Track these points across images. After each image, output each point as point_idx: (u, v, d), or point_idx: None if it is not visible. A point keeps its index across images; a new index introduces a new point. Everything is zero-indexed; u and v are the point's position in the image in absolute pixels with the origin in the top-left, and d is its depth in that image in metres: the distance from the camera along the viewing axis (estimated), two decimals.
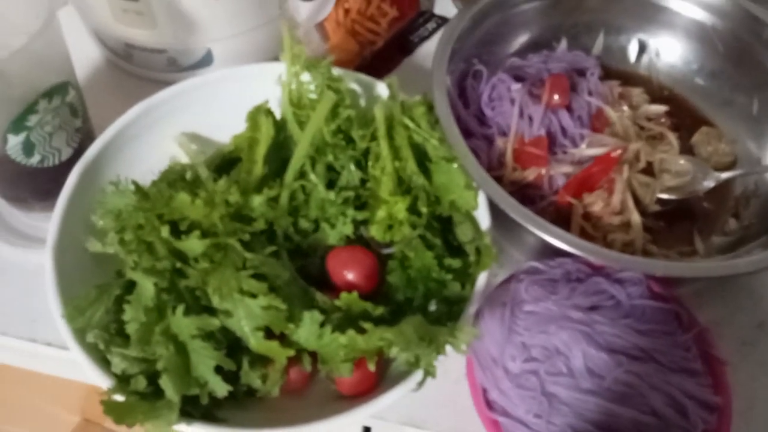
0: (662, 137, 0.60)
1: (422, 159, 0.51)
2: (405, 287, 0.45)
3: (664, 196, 0.56)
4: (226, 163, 0.54)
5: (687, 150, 0.60)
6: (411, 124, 0.51)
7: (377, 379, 0.44)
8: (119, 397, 0.40)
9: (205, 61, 0.61)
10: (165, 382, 0.38)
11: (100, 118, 0.56)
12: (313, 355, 0.43)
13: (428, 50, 0.69)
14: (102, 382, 0.41)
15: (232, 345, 0.42)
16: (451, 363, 0.48)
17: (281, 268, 0.43)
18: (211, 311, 0.41)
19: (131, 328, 0.40)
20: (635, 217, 0.52)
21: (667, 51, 0.66)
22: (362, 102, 0.57)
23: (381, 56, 0.67)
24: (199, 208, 0.41)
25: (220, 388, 0.38)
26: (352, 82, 0.56)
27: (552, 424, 0.41)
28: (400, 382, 0.42)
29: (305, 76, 0.53)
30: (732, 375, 0.45)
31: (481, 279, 0.46)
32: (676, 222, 0.56)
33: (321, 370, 0.42)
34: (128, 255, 0.43)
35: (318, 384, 0.45)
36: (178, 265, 0.42)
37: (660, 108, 0.62)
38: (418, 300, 0.45)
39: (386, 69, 0.66)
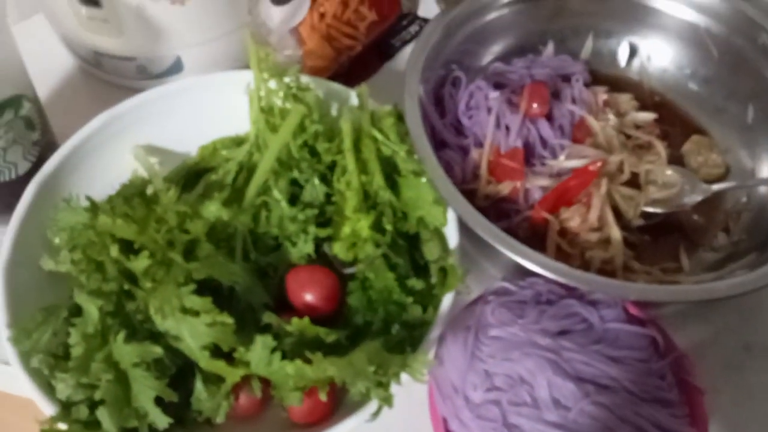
0: (650, 146, 0.57)
1: (391, 172, 0.49)
2: (365, 310, 0.43)
3: (650, 209, 0.53)
4: (192, 175, 0.53)
5: (676, 160, 0.57)
6: (379, 136, 0.49)
7: (331, 407, 0.42)
8: (62, 425, 0.38)
9: (175, 68, 0.59)
10: (102, 414, 0.36)
11: (74, 128, 0.55)
12: (266, 381, 0.41)
13: None
14: (46, 408, 0.40)
15: (183, 369, 0.41)
16: (414, 387, 0.46)
17: (240, 270, 0.42)
18: (160, 336, 0.40)
19: (75, 353, 0.39)
20: (615, 234, 0.50)
21: (658, 55, 0.63)
22: (333, 111, 0.55)
23: (359, 61, 0.65)
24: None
25: (161, 421, 0.37)
26: (323, 90, 0.54)
27: None
28: (356, 410, 0.40)
29: (273, 84, 0.51)
30: (714, 401, 0.43)
31: (446, 301, 0.43)
32: (662, 236, 0.54)
33: (274, 395, 0.41)
34: (79, 274, 0.42)
35: (272, 410, 0.44)
36: (127, 286, 0.40)
37: (648, 116, 0.59)
38: (377, 324, 0.43)
39: (365, 75, 0.64)
